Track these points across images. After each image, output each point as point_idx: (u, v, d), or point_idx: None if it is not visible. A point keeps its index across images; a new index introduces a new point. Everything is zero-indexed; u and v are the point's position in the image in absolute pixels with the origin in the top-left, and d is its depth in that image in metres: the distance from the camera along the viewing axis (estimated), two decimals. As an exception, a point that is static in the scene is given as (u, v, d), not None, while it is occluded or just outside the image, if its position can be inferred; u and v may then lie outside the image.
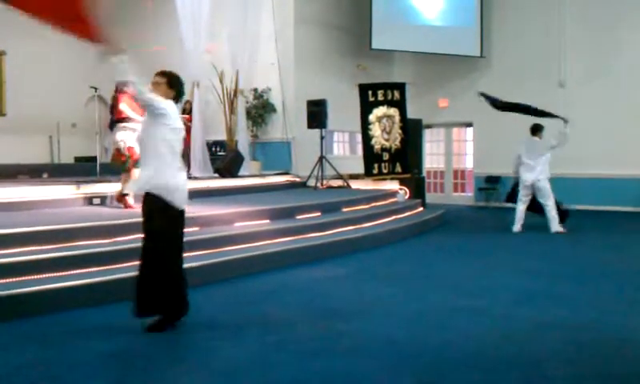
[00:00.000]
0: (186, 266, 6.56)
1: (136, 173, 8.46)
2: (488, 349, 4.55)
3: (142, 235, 4.98)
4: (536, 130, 10.83)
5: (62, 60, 15.83)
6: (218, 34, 13.38)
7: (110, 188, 9.37)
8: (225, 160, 13.01)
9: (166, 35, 16.03)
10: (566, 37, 14.94)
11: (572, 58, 14.91)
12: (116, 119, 8.69)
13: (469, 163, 17.59)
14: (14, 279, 5.54)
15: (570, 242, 9.94)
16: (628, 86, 13.88)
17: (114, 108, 8.91)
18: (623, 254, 8.91)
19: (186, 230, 7.48)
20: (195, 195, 10.11)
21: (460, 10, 16.27)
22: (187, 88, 12.59)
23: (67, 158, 15.28)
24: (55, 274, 5.78)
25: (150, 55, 16.36)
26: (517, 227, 10.87)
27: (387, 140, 13.41)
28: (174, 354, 4.55)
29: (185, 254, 6.83)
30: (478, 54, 16.18)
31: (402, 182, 13.35)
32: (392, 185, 13.25)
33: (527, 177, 10.69)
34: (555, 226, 10.57)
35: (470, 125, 17.10)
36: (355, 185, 13.39)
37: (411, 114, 14.20)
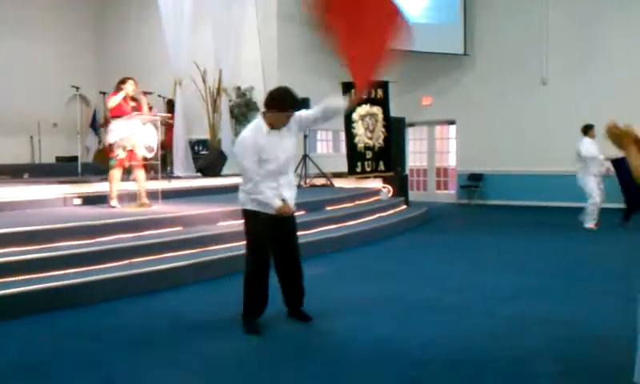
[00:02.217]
0: (169, 266, 6.58)
1: (116, 174, 8.42)
2: (473, 346, 4.55)
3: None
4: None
5: (43, 60, 15.73)
6: (200, 32, 13.30)
7: (93, 188, 9.33)
8: (207, 159, 12.94)
9: (147, 32, 15.96)
10: (548, 34, 15.03)
11: (554, 56, 15.00)
12: (110, 117, 8.63)
13: (452, 161, 17.66)
14: (-5, 281, 5.46)
15: (555, 238, 10.00)
16: (609, 83, 13.98)
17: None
18: (609, 249, 8.95)
19: (169, 229, 7.55)
20: (178, 194, 10.09)
21: (443, 7, 16.30)
22: (169, 86, 12.68)
23: (48, 158, 15.16)
24: (36, 276, 5.70)
25: (130, 54, 16.32)
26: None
27: (370, 138, 13.41)
28: (157, 354, 4.50)
29: (168, 254, 6.85)
30: (462, 52, 16.23)
31: (386, 180, 13.36)
32: (375, 183, 13.25)
33: None
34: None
35: (452, 123, 17.17)
36: (339, 183, 13.38)
37: (394, 112, 14.21)
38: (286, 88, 5.15)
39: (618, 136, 2.85)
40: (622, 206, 10.57)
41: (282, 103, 4.96)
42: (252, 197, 4.85)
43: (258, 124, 4.93)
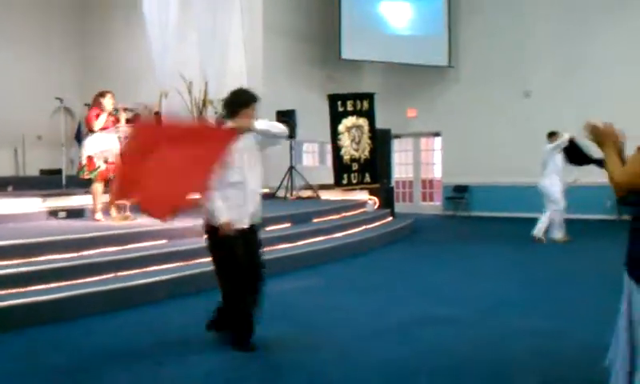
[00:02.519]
0: (154, 279, 6.53)
1: (98, 187, 8.36)
2: (457, 359, 4.55)
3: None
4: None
5: (26, 72, 15.62)
6: (186, 43, 13.27)
7: (78, 201, 9.26)
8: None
9: (132, 44, 15.92)
10: (532, 47, 15.16)
11: (538, 68, 15.13)
12: (88, 131, 8.58)
13: (437, 173, 17.73)
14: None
15: (540, 249, 10.05)
16: (592, 94, 14.10)
17: (87, 120, 8.77)
18: (593, 260, 9.00)
19: (153, 242, 7.49)
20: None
21: (428, 20, 16.42)
22: (155, 97, 12.61)
23: (32, 171, 15.02)
24: (20, 290, 5.64)
25: (115, 66, 16.27)
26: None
27: (356, 150, 13.44)
28: (140, 370, 4.46)
29: (153, 268, 6.81)
30: (447, 64, 16.33)
31: (372, 192, 13.38)
32: (361, 195, 13.28)
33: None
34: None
35: (438, 134, 17.25)
36: (325, 195, 13.38)
37: (380, 123, 14.26)
38: (241, 87, 5.04)
39: (598, 135, 2.86)
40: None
41: (246, 98, 4.84)
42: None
43: None
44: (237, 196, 4.66)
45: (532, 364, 4.40)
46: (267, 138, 4.82)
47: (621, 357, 2.83)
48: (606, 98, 13.76)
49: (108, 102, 8.39)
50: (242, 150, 4.66)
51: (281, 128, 4.87)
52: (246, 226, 4.75)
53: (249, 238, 4.80)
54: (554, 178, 10.62)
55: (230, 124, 4.74)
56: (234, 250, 4.68)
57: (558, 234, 10.72)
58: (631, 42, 14.00)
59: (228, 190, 4.61)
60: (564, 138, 10.22)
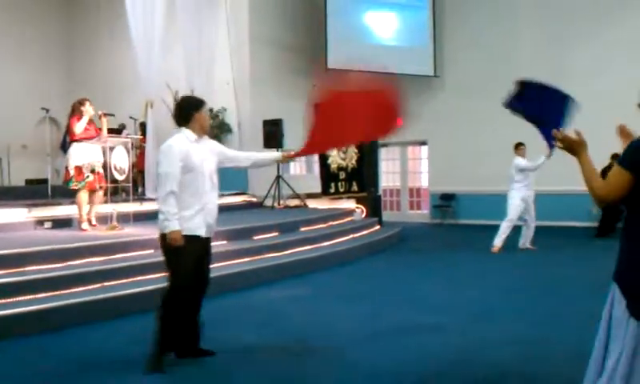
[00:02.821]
0: (140, 289, 6.50)
1: (84, 197, 8.34)
2: (444, 365, 4.57)
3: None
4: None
5: (12, 81, 15.55)
6: (172, 53, 13.27)
7: (63, 211, 9.21)
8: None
9: (118, 54, 15.91)
10: (517, 56, 15.27)
11: (523, 77, 15.20)
12: (70, 140, 8.56)
13: (424, 181, 17.79)
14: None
15: (527, 257, 10.10)
16: (576, 106, 14.21)
17: (68, 129, 8.77)
18: (578, 268, 9.06)
19: (140, 252, 7.46)
20: (150, 217, 9.98)
21: (414, 29, 16.51)
22: (141, 107, 12.60)
23: (18, 181, 14.92)
24: (5, 301, 5.61)
25: (101, 75, 16.25)
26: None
27: (344, 159, 13.48)
28: (128, 377, 4.43)
29: (139, 278, 6.78)
30: (432, 74, 16.42)
31: (359, 201, 13.41)
32: (349, 204, 13.29)
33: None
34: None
35: (424, 143, 17.31)
36: (312, 204, 13.38)
37: (367, 132, 14.26)
38: (187, 94, 5.10)
39: (571, 145, 2.89)
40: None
41: (196, 102, 4.75)
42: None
43: (184, 134, 4.64)
44: (192, 204, 4.49)
45: (518, 370, 4.42)
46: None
47: (593, 357, 2.86)
48: (591, 108, 13.85)
49: (89, 109, 8.41)
50: (202, 158, 4.58)
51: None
52: (203, 235, 4.58)
53: (202, 250, 4.64)
54: (513, 191, 10.69)
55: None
56: (183, 261, 4.49)
57: (497, 241, 10.64)
58: (615, 51, 14.15)
59: (184, 196, 4.45)
60: (540, 162, 10.27)
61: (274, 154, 5.24)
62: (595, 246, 11.12)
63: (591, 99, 13.98)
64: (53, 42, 17.56)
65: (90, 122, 8.49)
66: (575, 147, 2.86)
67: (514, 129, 14.96)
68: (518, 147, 10.77)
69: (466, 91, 15.94)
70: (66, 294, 6.00)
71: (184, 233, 4.41)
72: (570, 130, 2.98)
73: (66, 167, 8.47)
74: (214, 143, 4.88)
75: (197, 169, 4.51)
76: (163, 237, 4.47)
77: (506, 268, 9.21)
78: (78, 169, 8.30)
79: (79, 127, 8.28)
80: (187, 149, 4.52)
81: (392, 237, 12.42)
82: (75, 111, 8.42)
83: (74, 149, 8.37)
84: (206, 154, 4.65)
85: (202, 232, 4.55)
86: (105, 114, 8.74)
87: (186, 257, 4.47)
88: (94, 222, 8.64)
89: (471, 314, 6.21)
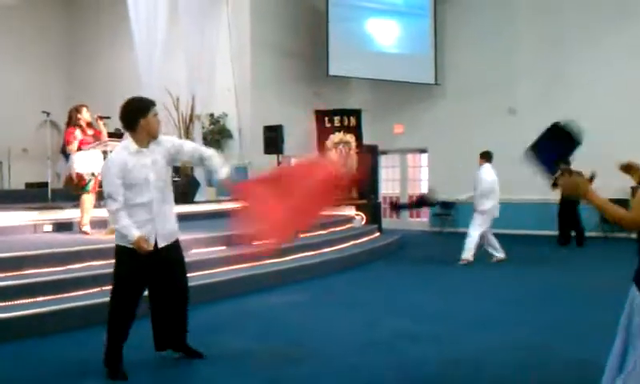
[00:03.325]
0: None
1: (87, 199, 8.36)
2: (442, 372, 4.58)
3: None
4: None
5: (12, 85, 15.57)
6: (173, 58, 13.30)
7: (64, 214, 9.21)
8: (179, 186, 12.85)
9: (119, 58, 15.93)
10: (517, 65, 15.31)
11: (524, 85, 15.25)
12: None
13: (424, 189, 17.76)
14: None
15: (521, 266, 10.10)
16: (578, 110, 14.16)
17: (65, 140, 8.77)
18: (579, 277, 9.05)
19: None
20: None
21: (415, 37, 16.54)
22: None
23: (18, 184, 14.92)
24: (6, 303, 5.61)
25: (102, 79, 16.27)
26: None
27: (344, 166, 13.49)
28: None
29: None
30: (433, 82, 16.44)
31: (359, 208, 13.42)
32: (349, 210, 13.29)
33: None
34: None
35: (424, 151, 17.32)
36: (312, 210, 13.35)
37: (367, 139, 14.32)
38: (133, 96, 4.69)
39: (576, 188, 2.89)
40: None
41: (141, 107, 4.49)
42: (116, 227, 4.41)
43: (125, 144, 4.51)
44: (141, 215, 4.38)
45: (517, 377, 4.43)
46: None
47: (613, 355, 2.89)
48: (590, 115, 13.87)
49: (86, 115, 8.42)
50: (145, 170, 4.37)
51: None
52: (159, 245, 4.48)
53: (158, 259, 4.49)
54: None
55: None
56: (126, 270, 4.46)
57: (465, 254, 10.43)
58: (613, 58, 14.17)
59: (133, 209, 4.36)
60: (465, 197, 10.32)
61: (221, 170, 4.64)
62: (597, 255, 11.07)
63: (591, 106, 14.07)
64: (54, 46, 17.60)
65: (89, 125, 8.51)
66: (580, 189, 2.86)
67: (513, 137, 14.97)
68: (484, 157, 10.84)
69: (466, 99, 15.95)
70: (65, 298, 6.00)
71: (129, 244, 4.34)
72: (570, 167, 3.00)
73: (70, 171, 8.49)
74: (167, 141, 4.59)
75: (139, 183, 4.34)
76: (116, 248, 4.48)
77: (504, 275, 9.20)
78: (80, 176, 8.32)
79: (72, 149, 8.32)
80: (126, 163, 4.32)
81: (391, 244, 12.42)
82: (71, 119, 8.43)
83: (77, 157, 8.38)
84: (150, 163, 4.40)
85: (152, 240, 4.42)
86: (100, 117, 8.76)
87: (132, 267, 4.40)
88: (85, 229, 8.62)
89: (470, 323, 6.21)
